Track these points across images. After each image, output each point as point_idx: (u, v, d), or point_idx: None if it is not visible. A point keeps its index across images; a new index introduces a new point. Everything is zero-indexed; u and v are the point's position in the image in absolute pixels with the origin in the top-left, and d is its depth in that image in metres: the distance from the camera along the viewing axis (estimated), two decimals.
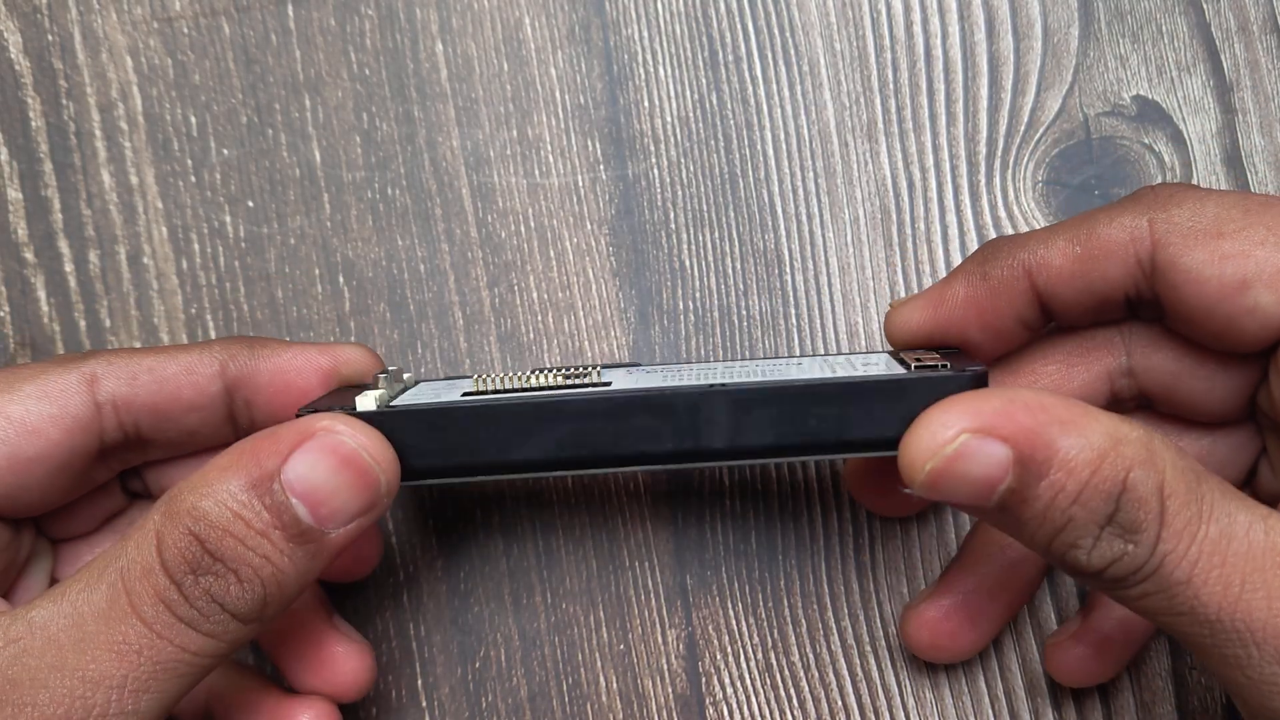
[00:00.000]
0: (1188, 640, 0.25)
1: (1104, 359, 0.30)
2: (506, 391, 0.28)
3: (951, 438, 0.24)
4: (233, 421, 0.30)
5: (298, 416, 0.27)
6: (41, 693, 0.24)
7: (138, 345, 0.35)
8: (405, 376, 0.30)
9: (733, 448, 0.27)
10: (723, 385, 0.27)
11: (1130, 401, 0.31)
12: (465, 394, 0.28)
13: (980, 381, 0.26)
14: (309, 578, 0.26)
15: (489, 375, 0.28)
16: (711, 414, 0.27)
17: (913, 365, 0.27)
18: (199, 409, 0.30)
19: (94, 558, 0.26)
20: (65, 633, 0.24)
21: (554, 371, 0.29)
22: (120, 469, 0.31)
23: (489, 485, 0.35)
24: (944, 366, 0.27)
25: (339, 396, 0.29)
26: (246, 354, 0.30)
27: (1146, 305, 0.29)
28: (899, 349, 0.30)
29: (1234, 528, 0.24)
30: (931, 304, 0.30)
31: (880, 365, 0.28)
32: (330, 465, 0.26)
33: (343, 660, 0.31)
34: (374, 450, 0.26)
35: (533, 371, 0.29)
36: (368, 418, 0.27)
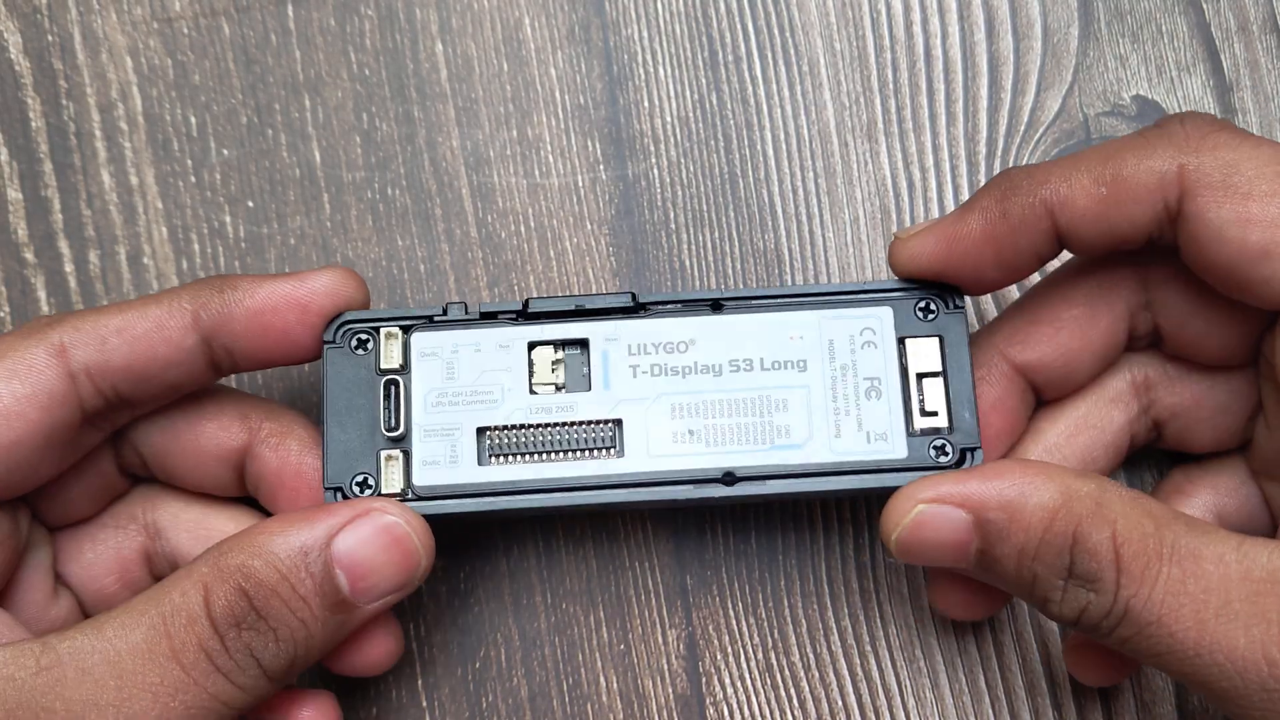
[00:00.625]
0: (1180, 678, 0.26)
1: (1125, 297, 0.30)
2: (523, 491, 0.30)
3: (909, 509, 0.27)
4: (215, 368, 0.29)
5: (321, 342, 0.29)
6: None
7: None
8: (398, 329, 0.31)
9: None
10: (730, 474, 0.30)
11: (1144, 339, 0.31)
12: (479, 430, 0.30)
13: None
14: (331, 646, 0.28)
15: (502, 402, 0.30)
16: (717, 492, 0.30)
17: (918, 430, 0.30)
18: (177, 364, 0.29)
19: (132, 599, 0.26)
20: (101, 668, 0.25)
21: (566, 428, 0.30)
22: (110, 429, 0.30)
23: None
24: (944, 448, 0.30)
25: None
26: (218, 300, 0.29)
27: (1166, 243, 0.28)
28: (903, 279, 0.30)
29: (1202, 562, 0.25)
30: (945, 239, 0.29)
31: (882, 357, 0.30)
32: (380, 544, 0.27)
33: (370, 633, 0.30)
34: (421, 534, 0.28)
35: (541, 427, 0.30)
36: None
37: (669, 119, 0.35)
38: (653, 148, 0.35)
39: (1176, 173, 0.27)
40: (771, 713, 0.34)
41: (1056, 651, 0.34)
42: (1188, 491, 0.31)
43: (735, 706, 0.34)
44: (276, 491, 0.30)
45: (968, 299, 0.32)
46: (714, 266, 0.35)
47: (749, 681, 0.34)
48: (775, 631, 0.34)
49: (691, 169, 0.35)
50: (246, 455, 0.30)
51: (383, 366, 0.30)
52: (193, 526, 0.31)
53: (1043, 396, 0.32)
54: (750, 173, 0.35)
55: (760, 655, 0.34)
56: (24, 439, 0.27)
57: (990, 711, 0.34)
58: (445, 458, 0.30)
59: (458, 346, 0.30)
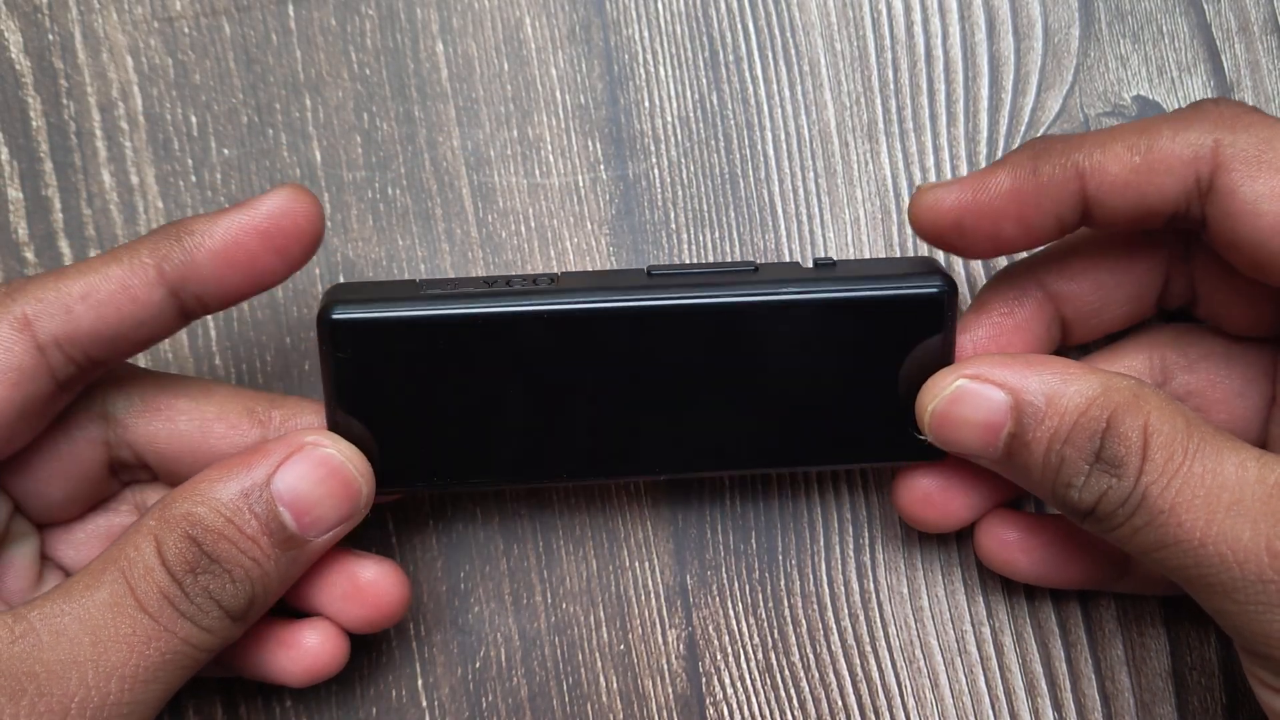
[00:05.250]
0: (1179, 575, 0.26)
1: (1166, 246, 0.31)
2: None
3: (950, 382, 0.28)
4: (184, 315, 0.29)
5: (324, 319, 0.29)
6: (57, 684, 0.25)
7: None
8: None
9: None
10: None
11: (1177, 297, 0.31)
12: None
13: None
14: (290, 581, 0.29)
15: None
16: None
17: None
18: (146, 321, 0.28)
19: (90, 562, 0.27)
20: (74, 628, 0.26)
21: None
22: (80, 388, 0.29)
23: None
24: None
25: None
26: (179, 249, 0.28)
27: (1190, 221, 0.28)
28: (924, 235, 0.30)
29: (1222, 465, 0.26)
30: (970, 189, 0.29)
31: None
32: (317, 477, 0.28)
33: (374, 584, 0.31)
34: (357, 463, 0.29)
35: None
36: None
37: (669, 119, 0.35)
38: (653, 148, 0.35)
39: (1212, 147, 0.27)
40: (771, 713, 0.34)
41: (1057, 652, 0.34)
42: None
43: (735, 706, 0.34)
44: None
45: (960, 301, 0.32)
46: None
47: (749, 681, 0.34)
48: (775, 631, 0.34)
49: (692, 169, 0.35)
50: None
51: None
52: None
53: (1069, 336, 0.32)
54: (751, 173, 0.35)
55: (760, 655, 0.34)
56: None
57: (990, 711, 0.34)
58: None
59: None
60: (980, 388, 0.28)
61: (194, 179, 0.35)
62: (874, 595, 0.34)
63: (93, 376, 0.29)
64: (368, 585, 0.30)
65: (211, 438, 0.30)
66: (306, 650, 0.30)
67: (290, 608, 0.31)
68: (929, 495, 0.32)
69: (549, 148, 0.35)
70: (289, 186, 0.29)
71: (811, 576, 0.34)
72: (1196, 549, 0.26)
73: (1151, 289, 0.31)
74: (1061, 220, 0.29)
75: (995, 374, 0.28)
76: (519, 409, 0.30)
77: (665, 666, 0.34)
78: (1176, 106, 0.35)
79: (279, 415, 0.30)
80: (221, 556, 0.27)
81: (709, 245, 0.35)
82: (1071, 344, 0.32)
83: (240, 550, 0.27)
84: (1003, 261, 0.34)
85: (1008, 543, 0.32)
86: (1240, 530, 0.25)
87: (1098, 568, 0.32)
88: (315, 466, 0.28)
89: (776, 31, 0.35)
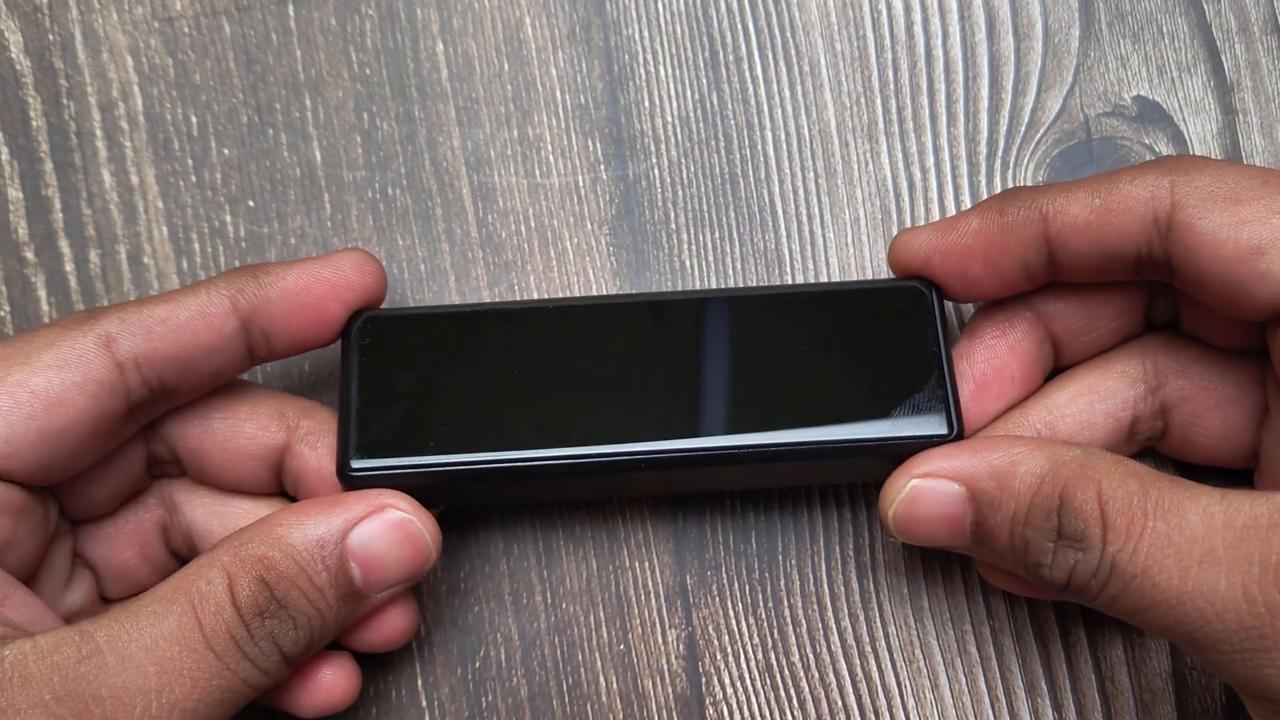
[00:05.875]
0: (1165, 635, 0.26)
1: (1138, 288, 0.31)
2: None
3: (903, 484, 0.29)
4: (251, 354, 0.30)
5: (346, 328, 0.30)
6: (123, 711, 0.25)
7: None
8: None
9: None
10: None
11: (1163, 312, 0.32)
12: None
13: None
14: (342, 629, 0.29)
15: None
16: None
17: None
18: (219, 350, 0.29)
19: (157, 586, 0.27)
20: (140, 655, 0.26)
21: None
22: (145, 421, 0.30)
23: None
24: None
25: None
26: (254, 285, 0.30)
27: (1155, 266, 0.29)
28: (898, 275, 0.31)
29: (1186, 517, 0.26)
30: (941, 231, 0.30)
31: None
32: (394, 540, 0.29)
33: (387, 611, 0.31)
34: (430, 530, 0.29)
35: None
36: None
37: (669, 119, 0.35)
38: (653, 148, 0.35)
39: (1168, 187, 0.28)
40: (771, 713, 0.34)
41: (1057, 652, 0.34)
42: None
43: (735, 706, 0.34)
44: (317, 489, 0.31)
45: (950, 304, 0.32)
46: (714, 266, 0.35)
47: (749, 681, 0.34)
48: (775, 631, 0.34)
49: (692, 169, 0.35)
50: (285, 454, 0.31)
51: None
52: (208, 502, 0.32)
53: (1061, 355, 0.32)
54: (751, 173, 0.35)
55: (760, 655, 0.34)
56: (71, 427, 0.28)
57: (990, 711, 0.34)
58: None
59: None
60: (933, 484, 0.28)
61: (194, 179, 0.35)
62: (874, 595, 0.34)
63: (157, 411, 0.30)
64: (327, 683, 0.31)
65: (241, 437, 0.31)
66: (321, 684, 0.31)
67: None
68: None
69: (549, 148, 0.35)
70: (363, 251, 0.31)
71: (811, 576, 0.34)
72: (1175, 608, 0.25)
73: (1137, 307, 0.31)
74: (1027, 265, 0.30)
75: (944, 467, 0.28)
76: (525, 385, 0.30)
77: (665, 666, 0.34)
78: (1176, 107, 0.35)
79: (307, 425, 0.31)
80: (290, 603, 0.27)
81: (709, 245, 0.35)
82: (1063, 363, 0.32)
83: (308, 599, 0.28)
84: None
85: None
86: (1215, 581, 0.25)
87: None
88: (392, 529, 0.29)
89: (776, 31, 0.35)
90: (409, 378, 0.30)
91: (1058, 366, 0.32)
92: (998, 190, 0.35)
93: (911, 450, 0.29)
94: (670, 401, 0.30)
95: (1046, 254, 0.29)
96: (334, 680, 0.31)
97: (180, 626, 0.26)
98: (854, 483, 0.35)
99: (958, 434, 0.29)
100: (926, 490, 0.28)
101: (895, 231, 0.35)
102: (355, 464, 0.29)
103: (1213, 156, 0.35)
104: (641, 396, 0.30)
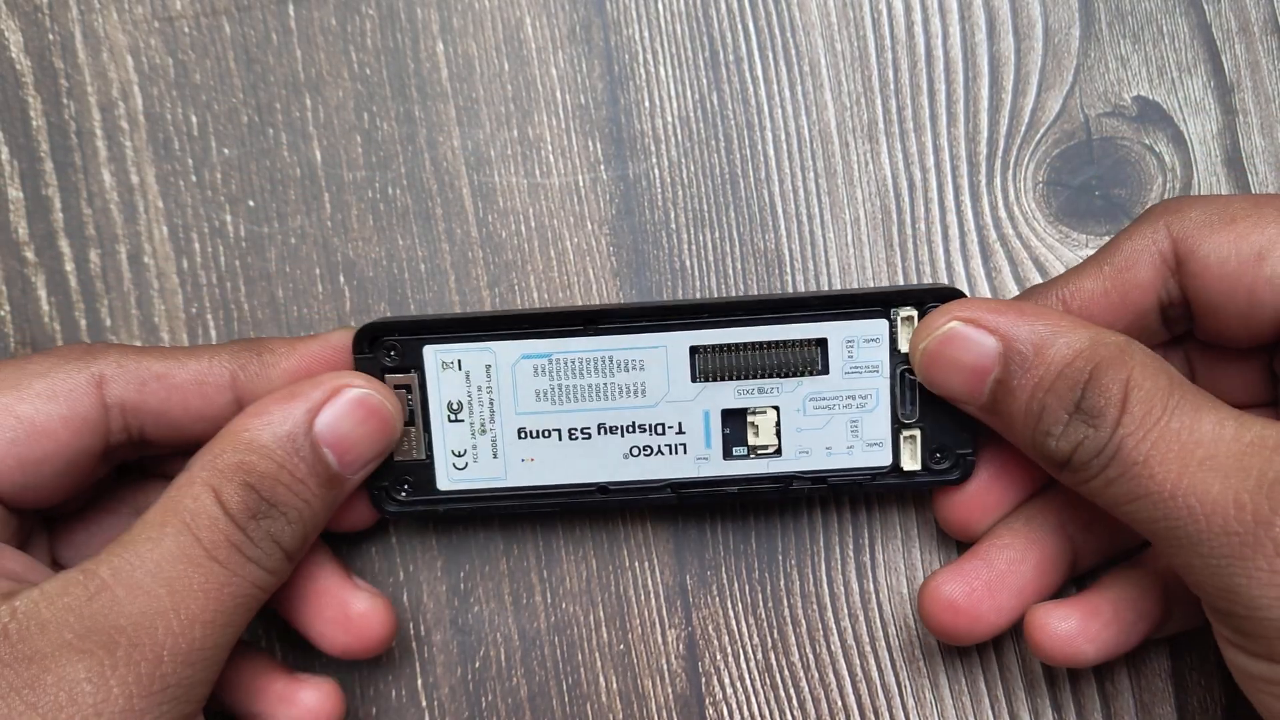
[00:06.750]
0: (1147, 529, 0.27)
1: (1157, 269, 0.31)
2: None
3: (942, 323, 0.29)
4: None
5: None
6: (146, 634, 0.26)
7: (138, 344, 0.35)
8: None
9: None
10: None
11: (1176, 323, 0.31)
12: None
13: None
14: (329, 516, 0.30)
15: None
16: None
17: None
18: (206, 418, 0.30)
19: (145, 515, 0.28)
20: (149, 581, 0.26)
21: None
22: (118, 463, 0.31)
23: None
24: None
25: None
26: (257, 364, 0.30)
27: (1177, 308, 0.30)
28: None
29: (1200, 422, 0.26)
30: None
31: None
32: (358, 417, 0.29)
33: (364, 616, 0.32)
34: (390, 400, 0.30)
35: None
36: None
37: (670, 119, 0.35)
38: (653, 148, 0.35)
39: (1164, 228, 0.29)
40: (771, 713, 0.34)
41: None
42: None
43: (735, 706, 0.34)
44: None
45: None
46: (714, 267, 0.35)
47: (749, 681, 0.34)
48: (775, 631, 0.34)
49: (692, 169, 0.35)
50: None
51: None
52: None
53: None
54: (751, 173, 0.35)
55: (760, 655, 0.34)
56: (50, 457, 0.28)
57: (990, 711, 0.34)
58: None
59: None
60: (972, 331, 0.29)
61: (194, 179, 0.35)
62: (874, 595, 0.34)
63: (133, 455, 0.31)
64: (358, 617, 0.31)
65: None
66: (305, 708, 0.31)
67: (288, 665, 0.32)
68: (954, 603, 0.31)
69: (549, 148, 0.35)
70: (347, 328, 0.32)
71: (811, 577, 0.34)
72: (1166, 501, 0.26)
73: (1146, 308, 0.31)
74: None
75: (988, 319, 0.28)
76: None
77: (665, 666, 0.34)
78: (1176, 107, 0.35)
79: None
80: (278, 500, 0.28)
81: (709, 245, 0.35)
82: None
83: (294, 492, 0.28)
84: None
85: (1069, 636, 0.30)
86: (1210, 484, 0.25)
87: (1149, 622, 0.31)
88: (355, 407, 0.29)
89: (776, 31, 0.35)
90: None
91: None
92: (998, 190, 0.35)
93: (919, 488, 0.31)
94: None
95: None
96: (319, 704, 0.31)
97: (179, 545, 0.27)
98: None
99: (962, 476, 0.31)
100: (963, 335, 0.29)
101: (895, 231, 0.35)
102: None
103: (1213, 157, 0.35)
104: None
